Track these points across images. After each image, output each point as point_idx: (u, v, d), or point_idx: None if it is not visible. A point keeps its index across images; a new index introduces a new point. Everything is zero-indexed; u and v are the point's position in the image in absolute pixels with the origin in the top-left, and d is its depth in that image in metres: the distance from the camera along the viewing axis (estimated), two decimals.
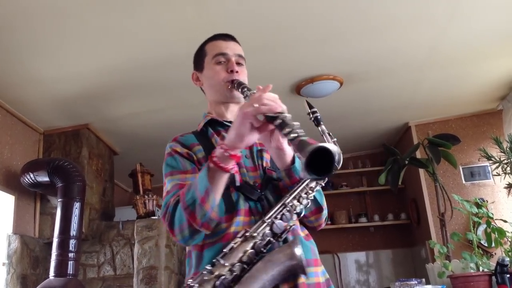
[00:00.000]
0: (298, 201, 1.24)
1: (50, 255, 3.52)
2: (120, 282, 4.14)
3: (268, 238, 1.18)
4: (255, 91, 1.26)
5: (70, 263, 3.44)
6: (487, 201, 4.22)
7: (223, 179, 1.20)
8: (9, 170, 3.76)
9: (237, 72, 1.44)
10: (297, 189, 1.25)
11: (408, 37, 3.25)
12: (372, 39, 3.24)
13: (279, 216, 1.21)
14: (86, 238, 4.15)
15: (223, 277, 1.13)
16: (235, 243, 1.17)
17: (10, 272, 3.57)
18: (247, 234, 1.18)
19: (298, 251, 1.15)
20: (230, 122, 1.45)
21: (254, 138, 1.21)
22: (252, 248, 1.16)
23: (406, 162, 3.86)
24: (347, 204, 5.89)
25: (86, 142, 4.34)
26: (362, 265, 5.72)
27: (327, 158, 1.01)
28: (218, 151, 1.19)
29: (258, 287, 1.12)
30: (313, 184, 1.27)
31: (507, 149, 3.36)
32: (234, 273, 1.13)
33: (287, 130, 1.10)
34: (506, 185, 3.63)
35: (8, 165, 3.77)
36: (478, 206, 3.04)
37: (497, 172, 3.50)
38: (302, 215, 1.31)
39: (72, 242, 3.48)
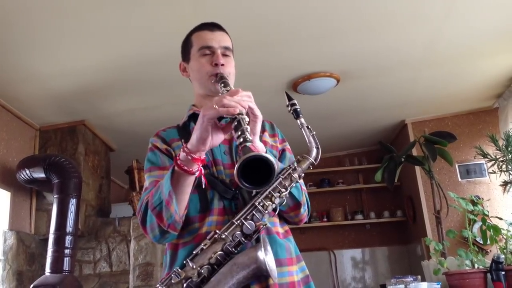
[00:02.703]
0: (271, 200, 1.22)
1: (46, 251, 3.51)
2: (116, 278, 4.14)
3: (238, 239, 1.17)
4: (228, 88, 1.27)
5: (66, 259, 3.43)
6: (482, 199, 4.25)
7: (188, 182, 1.20)
8: (4, 166, 3.75)
9: (222, 65, 1.40)
10: (268, 188, 1.23)
11: (404, 35, 3.26)
12: (369, 36, 3.25)
13: (249, 217, 1.20)
14: (82, 235, 4.14)
15: (190, 279, 1.13)
16: (204, 245, 1.18)
17: (6, 269, 3.57)
18: (216, 236, 1.18)
19: (261, 254, 1.13)
20: None
21: (219, 138, 1.21)
22: (221, 249, 1.16)
23: (402, 159, 3.86)
24: (343, 201, 5.90)
25: (82, 138, 4.33)
26: (358, 262, 5.74)
27: (265, 168, 1.03)
28: (181, 154, 1.18)
29: None
30: (287, 182, 1.25)
31: (503, 146, 3.36)
32: (202, 276, 1.14)
33: (237, 133, 1.12)
34: (502, 183, 3.63)
35: (4, 161, 3.76)
36: (474, 203, 3.04)
37: (492, 170, 3.50)
38: (277, 212, 1.29)
39: (68, 239, 3.48)
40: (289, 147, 1.51)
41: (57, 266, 3.39)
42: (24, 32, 2.89)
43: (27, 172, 3.66)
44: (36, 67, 3.31)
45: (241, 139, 1.10)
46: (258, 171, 1.04)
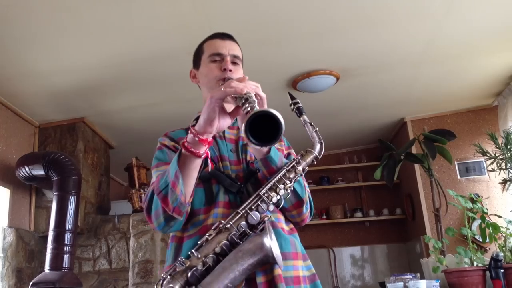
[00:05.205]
0: (275, 191, 1.23)
1: (45, 248, 3.52)
2: (116, 275, 4.14)
3: (244, 229, 1.18)
4: None
5: (66, 256, 3.44)
6: (482, 197, 4.25)
7: (195, 165, 1.22)
8: (4, 164, 3.75)
9: (230, 70, 1.45)
10: (273, 179, 1.25)
11: (404, 32, 3.25)
12: (369, 34, 3.24)
13: (254, 207, 1.20)
14: (82, 232, 4.15)
15: (194, 268, 1.13)
16: (209, 235, 1.18)
17: (5, 265, 3.57)
18: (221, 226, 1.18)
19: (267, 241, 1.13)
20: None
21: (225, 123, 1.25)
22: (226, 239, 1.16)
23: (402, 157, 3.86)
24: (342, 199, 5.91)
25: (81, 135, 4.33)
26: (357, 259, 5.75)
27: (272, 125, 1.07)
28: (189, 136, 1.21)
29: (230, 278, 1.11)
30: (291, 175, 1.27)
31: (502, 144, 3.36)
32: (207, 265, 1.14)
33: (246, 106, 1.15)
34: (501, 181, 3.64)
35: (3, 158, 3.75)
36: (473, 201, 3.05)
37: (492, 168, 3.50)
38: (281, 206, 1.30)
39: (67, 236, 3.48)
40: (294, 152, 1.53)
41: (56, 263, 3.40)
42: (23, 28, 2.88)
43: (27, 169, 3.66)
44: (35, 64, 3.30)
45: (249, 108, 1.13)
46: (266, 131, 1.07)
